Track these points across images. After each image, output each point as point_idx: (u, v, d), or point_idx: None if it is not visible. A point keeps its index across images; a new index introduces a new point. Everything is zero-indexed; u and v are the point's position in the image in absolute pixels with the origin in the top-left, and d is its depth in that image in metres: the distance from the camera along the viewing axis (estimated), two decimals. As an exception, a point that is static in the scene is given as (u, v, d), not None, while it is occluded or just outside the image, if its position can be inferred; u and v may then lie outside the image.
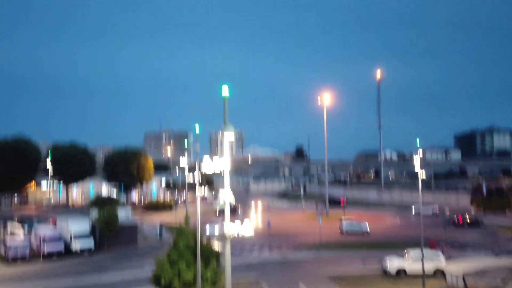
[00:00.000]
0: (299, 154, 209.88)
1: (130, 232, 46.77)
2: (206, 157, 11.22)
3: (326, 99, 73.23)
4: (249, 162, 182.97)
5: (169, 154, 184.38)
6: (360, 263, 37.67)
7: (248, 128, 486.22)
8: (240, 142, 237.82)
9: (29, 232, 49.16)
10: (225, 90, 10.35)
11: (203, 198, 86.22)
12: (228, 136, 10.23)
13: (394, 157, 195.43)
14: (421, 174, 30.45)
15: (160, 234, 50.91)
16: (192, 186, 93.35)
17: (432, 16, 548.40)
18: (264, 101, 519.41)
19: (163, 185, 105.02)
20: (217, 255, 21.65)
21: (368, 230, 52.72)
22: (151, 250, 43.30)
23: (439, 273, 32.82)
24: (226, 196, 10.35)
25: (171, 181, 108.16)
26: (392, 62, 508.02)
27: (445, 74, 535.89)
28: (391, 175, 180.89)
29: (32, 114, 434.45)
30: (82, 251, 42.36)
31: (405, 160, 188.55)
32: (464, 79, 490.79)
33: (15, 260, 39.15)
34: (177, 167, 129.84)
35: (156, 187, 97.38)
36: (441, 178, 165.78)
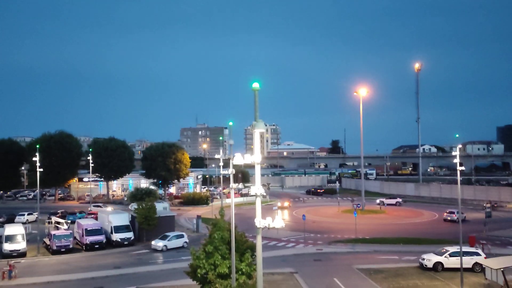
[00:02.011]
0: (335, 148, 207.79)
1: (168, 225, 47.81)
2: (238, 155, 11.37)
3: (362, 92, 71.93)
4: (284, 156, 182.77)
5: (204, 149, 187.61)
6: (396, 257, 37.08)
7: (285, 123, 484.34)
8: (276, 137, 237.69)
9: (72, 224, 51.29)
10: (255, 84, 10.42)
11: (239, 191, 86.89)
12: (259, 130, 10.28)
13: (433, 151, 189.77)
14: (460, 168, 29.55)
15: (197, 227, 51.80)
16: (227, 179, 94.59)
17: (473, 2, 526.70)
18: (300, 95, 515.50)
19: (200, 179, 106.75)
20: (252, 248, 21.84)
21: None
22: (188, 242, 44.27)
23: (478, 267, 31.91)
24: (257, 190, 10.43)
25: (207, 175, 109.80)
26: (432, 53, 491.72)
27: (487, 65, 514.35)
28: (430, 169, 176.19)
29: (70, 112, 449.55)
30: (122, 242, 43.75)
31: (444, 153, 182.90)
32: (507, 69, 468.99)
33: (59, 250, 40.95)
34: (212, 162, 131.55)
35: (193, 181, 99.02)
36: (483, 172, 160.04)
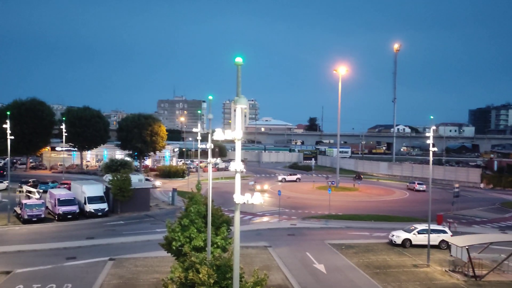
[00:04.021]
0: (312, 125, 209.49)
1: (143, 197, 47.67)
2: (218, 130, 11.26)
3: (341, 70, 72.11)
4: (262, 132, 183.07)
5: (182, 122, 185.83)
6: (367, 234, 38.12)
7: (262, 99, 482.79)
8: (254, 112, 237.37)
9: (44, 194, 50.46)
10: (238, 59, 10.26)
11: (216, 166, 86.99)
12: (241, 106, 10.19)
13: (407, 131, 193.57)
14: (433, 149, 30.27)
15: (172, 200, 51.83)
16: (204, 153, 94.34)
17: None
18: (279, 72, 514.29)
19: (176, 152, 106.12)
20: (228, 222, 22.01)
21: None
22: (163, 215, 44.32)
23: (444, 244, 33.18)
24: (237, 166, 10.42)
25: (184, 149, 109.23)
26: (411, 35, 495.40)
27: (465, 48, 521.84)
28: (403, 149, 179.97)
29: (43, 79, 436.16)
30: (95, 213, 43.46)
31: (417, 134, 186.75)
32: (483, 53, 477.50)
33: (30, 219, 40.37)
34: (189, 135, 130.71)
35: (169, 154, 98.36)
36: (453, 153, 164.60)
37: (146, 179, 68.35)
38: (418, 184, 72.36)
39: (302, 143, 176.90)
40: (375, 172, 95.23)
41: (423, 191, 69.70)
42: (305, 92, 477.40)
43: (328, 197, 50.21)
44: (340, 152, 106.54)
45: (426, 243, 31.45)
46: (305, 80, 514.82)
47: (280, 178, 77.70)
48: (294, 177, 78.54)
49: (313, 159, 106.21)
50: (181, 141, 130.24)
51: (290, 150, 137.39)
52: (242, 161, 11.72)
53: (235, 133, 10.24)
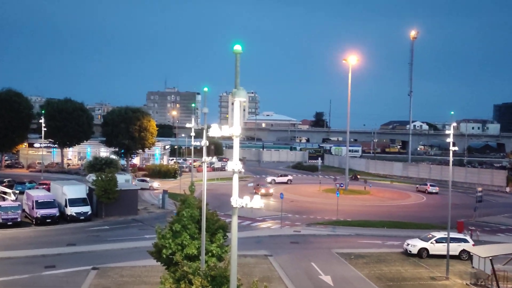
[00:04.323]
0: (319, 121, 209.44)
1: (130, 200, 47.72)
2: (214, 126, 11.26)
3: (352, 60, 72.04)
4: (263, 128, 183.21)
5: (174, 116, 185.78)
6: (379, 242, 38.15)
7: (264, 91, 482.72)
8: (254, 106, 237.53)
9: (21, 195, 50.46)
10: (237, 47, 10.23)
11: (211, 165, 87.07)
12: (240, 99, 10.16)
13: (424, 128, 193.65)
14: (453, 148, 30.25)
15: (163, 203, 51.88)
16: (199, 151, 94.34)
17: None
18: (282, 62, 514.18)
19: (168, 149, 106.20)
20: (224, 228, 22.01)
21: None
22: (152, 219, 44.35)
23: (465, 254, 33.17)
24: (235, 166, 10.41)
25: (176, 146, 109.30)
26: (429, 22, 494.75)
27: (488, 38, 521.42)
28: (420, 147, 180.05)
29: (21, 68, 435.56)
30: (77, 217, 43.47)
31: (436, 131, 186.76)
32: (509, 42, 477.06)
33: (5, 224, 40.35)
34: (182, 131, 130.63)
35: (159, 152, 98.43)
36: (476, 153, 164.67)
37: (142, 180, 68.49)
38: (431, 185, 73.23)
39: (308, 140, 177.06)
40: (388, 173, 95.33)
41: (436, 193, 70.51)
42: (311, 84, 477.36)
43: (336, 201, 50.27)
44: (350, 151, 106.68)
45: (445, 253, 31.43)
46: (311, 71, 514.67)
47: (269, 179, 77.45)
48: (285, 179, 78.31)
49: (319, 158, 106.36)
50: (173, 138, 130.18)
51: (291, 149, 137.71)
52: (241, 160, 11.72)
53: (233, 129, 10.21)
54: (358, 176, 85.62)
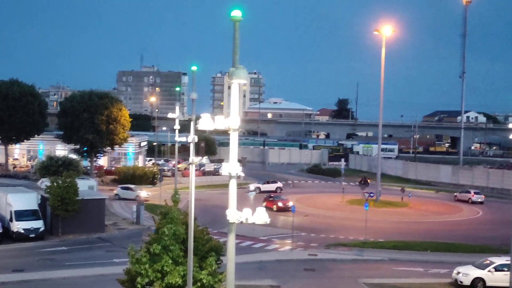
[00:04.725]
0: (342, 111, 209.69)
1: (95, 212, 47.72)
2: (205, 116, 11.20)
3: (386, 31, 71.69)
4: (269, 119, 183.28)
5: (153, 103, 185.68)
6: (421, 269, 38.14)
7: (270, 72, 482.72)
8: (258, 90, 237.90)
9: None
10: (236, 13, 10.20)
11: (201, 168, 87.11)
12: (239, 81, 10.14)
13: (481, 121, 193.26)
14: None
15: (138, 217, 51.92)
16: (184, 149, 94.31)
17: None
18: (294, 35, 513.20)
19: (144, 147, 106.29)
20: (217, 250, 22.02)
21: None
22: (124, 238, 44.32)
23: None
24: (231, 168, 10.40)
25: (155, 142, 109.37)
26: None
27: None
28: (475, 146, 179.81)
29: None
30: (26, 234, 43.43)
31: (496, 124, 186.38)
32: None
33: None
34: (163, 123, 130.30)
35: (133, 150, 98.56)
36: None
37: (125, 187, 68.47)
38: (475, 193, 73.80)
39: (327, 136, 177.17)
40: (433, 179, 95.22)
41: (481, 203, 71.08)
42: (332, 63, 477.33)
43: (364, 216, 50.10)
44: (383, 150, 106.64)
45: (507, 284, 31.37)
46: (332, 46, 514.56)
47: (252, 187, 77.16)
48: (273, 186, 77.89)
49: (342, 160, 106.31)
50: (151, 132, 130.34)
51: (301, 147, 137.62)
52: (240, 161, 11.71)
53: (229, 120, 10.18)
54: (369, 181, 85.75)
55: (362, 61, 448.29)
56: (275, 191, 75.01)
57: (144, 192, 67.45)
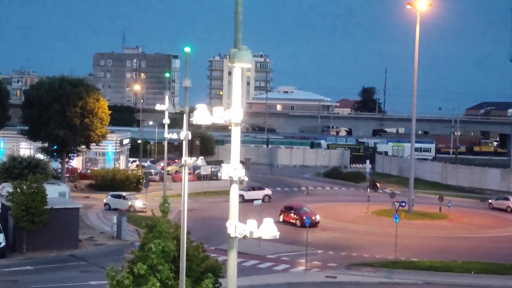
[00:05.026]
0: (367, 102, 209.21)
1: (67, 225, 47.81)
2: (200, 107, 11.19)
3: (420, 4, 71.51)
4: (278, 112, 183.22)
5: (137, 92, 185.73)
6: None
7: (279, 56, 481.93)
8: (265, 77, 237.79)
9: None
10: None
11: (195, 171, 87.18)
12: (242, 65, 10.16)
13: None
14: None
15: (119, 230, 52.02)
16: (175, 149, 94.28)
17: None
18: (306, 11, 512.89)
19: (127, 145, 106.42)
20: (216, 271, 22.07)
21: None
22: (102, 256, 44.45)
23: None
24: (233, 170, 10.42)
25: (139, 140, 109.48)
26: None
27: None
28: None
29: None
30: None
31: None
32: None
33: None
34: (149, 116, 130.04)
35: (113, 149, 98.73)
36: None
37: (117, 195, 67.97)
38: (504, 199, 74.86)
39: (349, 132, 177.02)
40: (478, 185, 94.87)
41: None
42: (355, 45, 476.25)
43: (393, 230, 50.14)
44: (417, 150, 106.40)
45: None
46: (355, 24, 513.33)
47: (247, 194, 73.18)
48: (260, 194, 74.05)
49: (367, 161, 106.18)
50: (135, 127, 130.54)
51: (313, 145, 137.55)
52: (243, 163, 11.73)
53: (230, 112, 10.20)
54: (378, 184, 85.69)
55: (391, 42, 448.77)
56: (262, 200, 72.06)
57: (139, 202, 66.97)
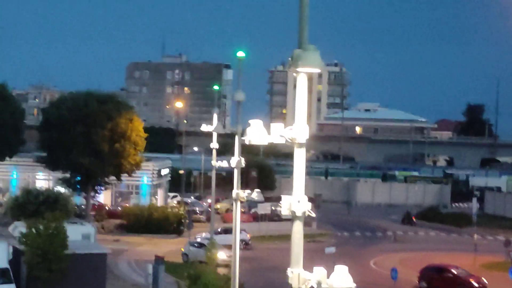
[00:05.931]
0: (473, 124, 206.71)
1: (92, 274, 48.32)
2: (255, 123, 11.19)
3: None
4: (357, 136, 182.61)
5: (179, 110, 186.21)
6: None
7: (358, 66, 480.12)
8: (340, 91, 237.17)
9: None
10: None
11: (251, 209, 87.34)
12: (307, 70, 10.23)
13: None
14: None
15: (155, 282, 52.34)
16: (225, 181, 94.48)
17: None
18: (394, 14, 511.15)
19: (166, 176, 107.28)
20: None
21: None
22: None
23: None
24: (297, 205, 10.45)
25: (181, 170, 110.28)
26: None
27: None
28: None
29: None
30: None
31: None
32: None
33: None
34: (194, 140, 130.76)
35: (149, 181, 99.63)
36: None
37: (200, 244, 64.73)
38: None
39: (450, 162, 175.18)
40: None
41: None
42: (454, 50, 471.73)
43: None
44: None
45: None
46: (453, 24, 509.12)
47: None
48: (230, 238, 67.15)
49: (475, 199, 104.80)
50: (177, 154, 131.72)
51: (384, 178, 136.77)
52: (312, 200, 11.77)
53: (293, 129, 10.21)
54: (414, 219, 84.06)
55: (503, 47, 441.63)
56: (247, 244, 69.42)
57: (222, 253, 62.11)
